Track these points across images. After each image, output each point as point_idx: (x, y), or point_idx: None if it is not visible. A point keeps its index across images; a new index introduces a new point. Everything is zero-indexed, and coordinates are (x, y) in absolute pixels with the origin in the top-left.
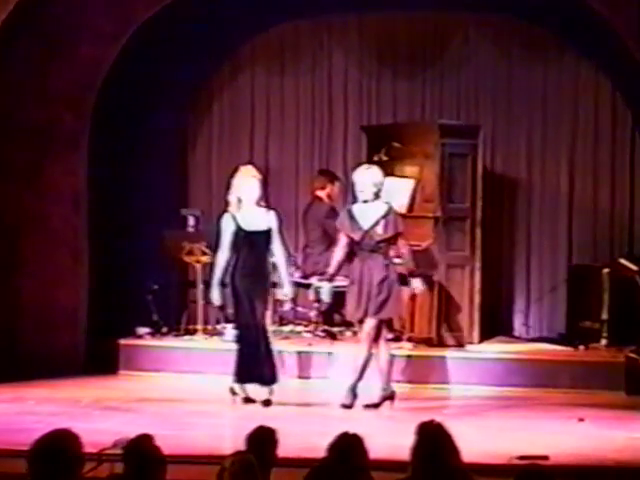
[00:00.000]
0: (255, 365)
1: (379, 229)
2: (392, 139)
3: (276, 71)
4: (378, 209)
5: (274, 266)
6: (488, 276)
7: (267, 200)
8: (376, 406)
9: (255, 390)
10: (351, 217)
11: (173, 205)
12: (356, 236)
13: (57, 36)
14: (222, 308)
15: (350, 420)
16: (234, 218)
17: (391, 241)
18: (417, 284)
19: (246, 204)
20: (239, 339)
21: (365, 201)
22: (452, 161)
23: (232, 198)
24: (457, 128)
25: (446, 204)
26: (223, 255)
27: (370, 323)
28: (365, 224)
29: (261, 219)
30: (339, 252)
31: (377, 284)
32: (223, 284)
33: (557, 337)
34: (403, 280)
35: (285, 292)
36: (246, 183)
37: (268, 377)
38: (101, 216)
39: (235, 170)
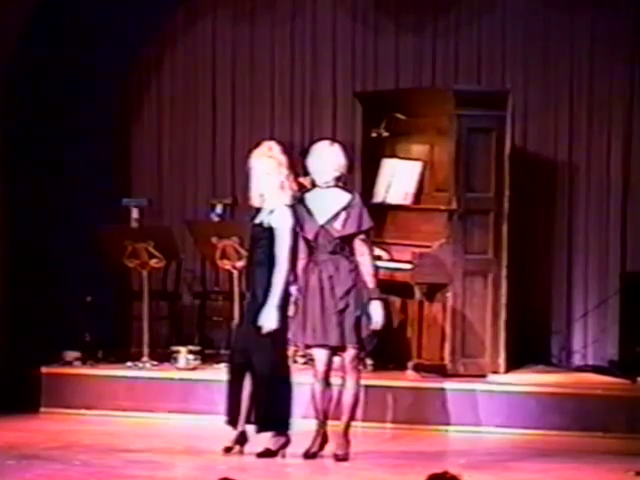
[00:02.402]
0: (235, 403)
1: (337, 224)
2: (394, 109)
3: (245, 18)
4: (339, 198)
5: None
6: (517, 286)
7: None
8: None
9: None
10: (305, 208)
11: (111, 193)
12: (309, 234)
13: None
14: None
15: (334, 472)
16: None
17: (350, 241)
18: (377, 316)
19: (264, 194)
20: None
21: (326, 187)
22: (471, 138)
23: (252, 187)
24: (478, 95)
25: (463, 193)
26: None
27: (351, 353)
28: (321, 218)
29: (267, 213)
30: (302, 255)
31: (341, 297)
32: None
33: (608, 366)
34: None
35: (260, 322)
36: (256, 167)
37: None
38: (16, 206)
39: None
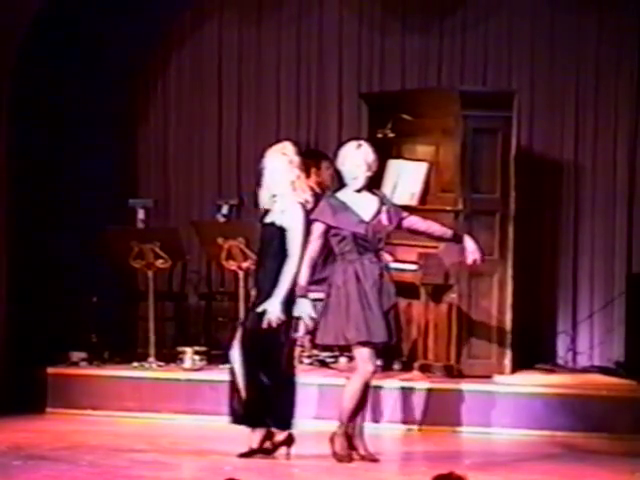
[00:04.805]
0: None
1: (383, 219)
2: (400, 110)
3: (251, 20)
4: (371, 197)
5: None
6: (523, 287)
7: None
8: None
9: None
10: (345, 206)
11: (117, 193)
12: (361, 230)
13: None
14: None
15: (340, 473)
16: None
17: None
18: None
19: (275, 193)
20: None
21: (358, 190)
22: (477, 138)
23: (263, 187)
24: (484, 96)
25: (469, 194)
26: None
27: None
28: (366, 215)
29: (278, 212)
30: (312, 253)
31: (384, 294)
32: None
33: (614, 367)
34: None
35: (264, 306)
36: (268, 165)
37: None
38: (24, 207)
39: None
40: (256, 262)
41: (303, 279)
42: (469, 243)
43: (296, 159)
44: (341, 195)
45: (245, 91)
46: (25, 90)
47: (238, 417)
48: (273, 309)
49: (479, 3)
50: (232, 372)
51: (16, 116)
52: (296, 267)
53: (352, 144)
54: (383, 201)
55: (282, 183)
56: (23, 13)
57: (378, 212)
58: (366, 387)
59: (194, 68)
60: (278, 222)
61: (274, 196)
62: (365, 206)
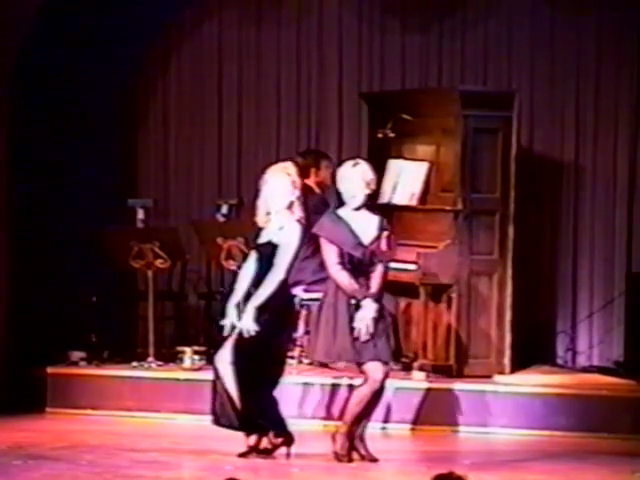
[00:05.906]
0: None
1: (383, 244)
2: (400, 110)
3: (251, 19)
4: (371, 219)
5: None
6: (523, 286)
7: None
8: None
9: None
10: (345, 225)
11: (117, 193)
12: (358, 253)
13: None
14: None
15: (340, 473)
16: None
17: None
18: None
19: (272, 211)
20: None
21: (357, 208)
22: (477, 138)
23: (260, 203)
24: (484, 96)
25: (469, 194)
26: None
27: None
28: (365, 238)
29: (274, 230)
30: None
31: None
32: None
33: (613, 366)
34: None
35: (242, 322)
36: (270, 182)
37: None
38: (22, 207)
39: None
40: (255, 282)
41: (351, 283)
42: (361, 312)
43: (298, 180)
44: (342, 212)
45: (245, 91)
46: (25, 90)
47: (218, 418)
48: (246, 318)
49: (479, 3)
50: (216, 372)
51: (16, 116)
52: (279, 282)
53: (349, 163)
54: (383, 226)
55: (281, 201)
56: (23, 13)
57: (378, 237)
58: (377, 395)
59: (194, 68)
60: (275, 240)
61: (268, 214)
62: (365, 228)
